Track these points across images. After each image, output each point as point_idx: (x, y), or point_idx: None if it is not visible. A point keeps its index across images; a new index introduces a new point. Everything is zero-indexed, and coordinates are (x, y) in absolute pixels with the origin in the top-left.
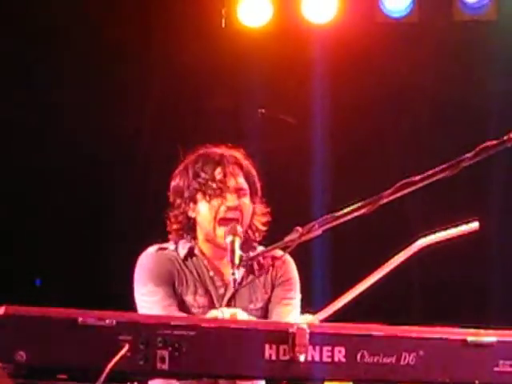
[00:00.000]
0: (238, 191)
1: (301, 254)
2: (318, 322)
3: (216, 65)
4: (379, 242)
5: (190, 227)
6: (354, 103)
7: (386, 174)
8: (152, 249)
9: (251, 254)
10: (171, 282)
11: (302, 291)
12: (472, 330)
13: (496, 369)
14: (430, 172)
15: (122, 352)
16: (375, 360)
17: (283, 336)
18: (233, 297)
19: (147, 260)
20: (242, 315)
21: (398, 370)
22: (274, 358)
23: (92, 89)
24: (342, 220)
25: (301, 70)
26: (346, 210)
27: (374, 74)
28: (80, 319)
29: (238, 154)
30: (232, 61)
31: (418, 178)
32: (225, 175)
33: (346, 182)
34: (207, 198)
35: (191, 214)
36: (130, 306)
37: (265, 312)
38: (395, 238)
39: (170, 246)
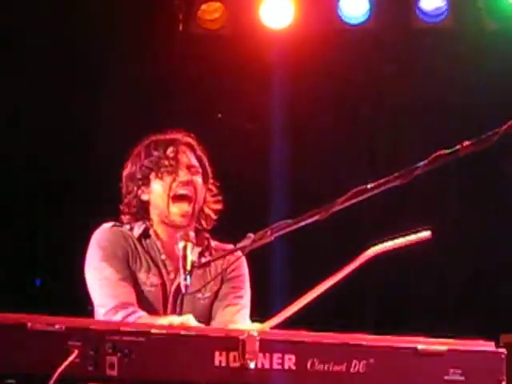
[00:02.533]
0: (190, 168)
1: (255, 261)
2: (268, 329)
3: (173, 69)
4: (331, 250)
5: (143, 211)
6: (311, 108)
7: (342, 179)
8: (107, 225)
9: (203, 260)
10: (125, 259)
11: (257, 299)
12: (422, 339)
13: (446, 377)
14: (383, 180)
15: (71, 358)
16: (325, 368)
17: (233, 343)
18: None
19: (102, 236)
20: (193, 322)
21: (349, 378)
22: (224, 364)
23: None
24: (295, 226)
25: (259, 74)
26: (299, 217)
27: (332, 80)
28: (29, 324)
29: (190, 138)
30: (190, 65)
31: (371, 185)
32: (177, 152)
33: (303, 186)
34: (159, 175)
35: (144, 197)
36: None
37: (212, 302)
38: (347, 245)
39: (126, 225)
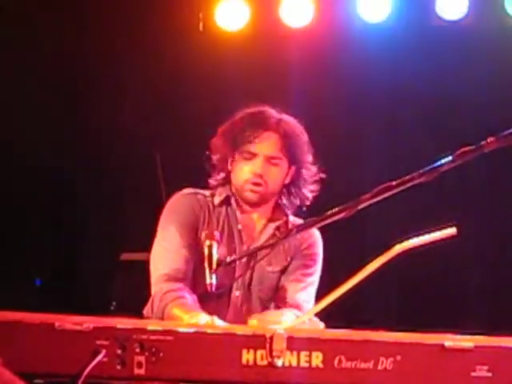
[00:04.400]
0: (269, 158)
1: None
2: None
3: (194, 68)
4: (356, 248)
5: (228, 180)
6: (331, 106)
7: (364, 178)
8: (186, 191)
9: (228, 258)
10: (195, 229)
11: None
12: (449, 335)
13: (473, 374)
14: (408, 177)
15: (99, 357)
16: (353, 365)
17: (260, 341)
18: (254, 255)
19: (177, 202)
20: (218, 323)
21: (376, 376)
22: (251, 363)
23: (68, 92)
24: (320, 224)
25: (278, 73)
26: (324, 214)
27: (351, 78)
28: (57, 324)
29: (291, 120)
30: (210, 64)
31: (395, 182)
32: (262, 140)
33: (324, 185)
34: (241, 159)
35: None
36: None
37: (280, 277)
38: (373, 242)
39: (206, 192)
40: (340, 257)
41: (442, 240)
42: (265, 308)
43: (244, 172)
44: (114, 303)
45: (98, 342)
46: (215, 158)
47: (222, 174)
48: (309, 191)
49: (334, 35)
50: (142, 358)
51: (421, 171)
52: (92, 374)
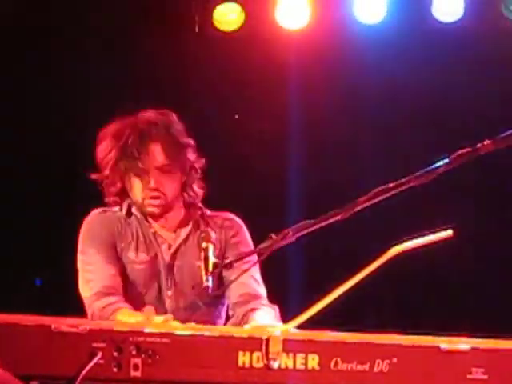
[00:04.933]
0: (160, 168)
1: (276, 262)
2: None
3: (189, 71)
4: (354, 249)
5: (126, 193)
6: (327, 108)
7: (361, 180)
8: (95, 211)
9: (225, 261)
10: (113, 244)
11: (277, 299)
12: (445, 338)
13: (469, 376)
14: (405, 179)
15: (95, 359)
16: (349, 367)
17: (257, 343)
18: (178, 251)
19: (89, 224)
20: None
21: (372, 378)
22: (247, 365)
23: (61, 94)
24: (316, 227)
25: (275, 75)
26: (320, 217)
27: (348, 80)
28: (53, 326)
29: (167, 120)
30: (205, 67)
31: (392, 184)
32: (147, 153)
33: (321, 187)
34: (133, 175)
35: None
36: None
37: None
38: (370, 244)
39: (113, 208)
40: (337, 259)
41: (439, 242)
42: (193, 303)
43: (139, 189)
44: None
45: (95, 345)
46: (106, 174)
47: (116, 189)
48: (198, 187)
49: (330, 37)
50: (138, 361)
51: (417, 173)
52: (88, 376)
